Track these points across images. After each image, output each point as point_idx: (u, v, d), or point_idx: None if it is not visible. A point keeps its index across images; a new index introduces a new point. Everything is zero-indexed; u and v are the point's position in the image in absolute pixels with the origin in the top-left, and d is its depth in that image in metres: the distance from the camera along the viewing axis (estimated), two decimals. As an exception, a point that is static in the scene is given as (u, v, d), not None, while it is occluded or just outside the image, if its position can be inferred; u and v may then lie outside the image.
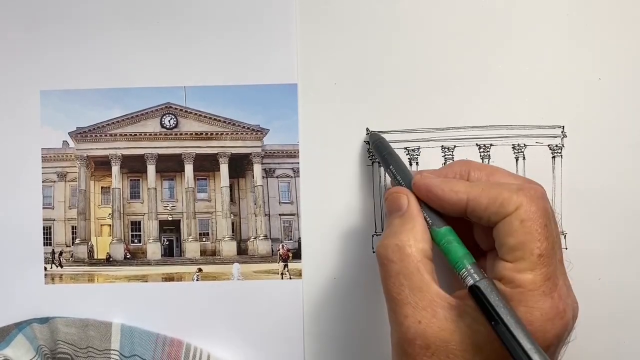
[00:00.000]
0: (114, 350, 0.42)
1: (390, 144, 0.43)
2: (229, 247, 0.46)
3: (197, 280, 0.44)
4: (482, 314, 0.32)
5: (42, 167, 0.44)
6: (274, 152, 0.45)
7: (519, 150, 0.43)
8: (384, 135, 0.42)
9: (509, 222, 0.33)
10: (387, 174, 0.40)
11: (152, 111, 0.45)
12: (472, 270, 0.33)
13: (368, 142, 0.43)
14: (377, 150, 0.41)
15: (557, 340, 0.33)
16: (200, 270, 0.45)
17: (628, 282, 0.42)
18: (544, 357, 0.29)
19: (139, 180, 0.47)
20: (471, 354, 0.32)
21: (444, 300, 0.33)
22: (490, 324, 0.31)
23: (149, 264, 0.45)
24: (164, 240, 0.46)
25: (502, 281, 0.33)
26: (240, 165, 0.46)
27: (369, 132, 0.43)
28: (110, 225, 0.46)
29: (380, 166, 0.43)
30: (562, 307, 0.32)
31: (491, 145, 0.43)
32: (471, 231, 0.37)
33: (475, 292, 0.32)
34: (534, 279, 0.32)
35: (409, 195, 0.36)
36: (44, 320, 0.43)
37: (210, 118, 0.45)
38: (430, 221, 0.36)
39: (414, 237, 0.35)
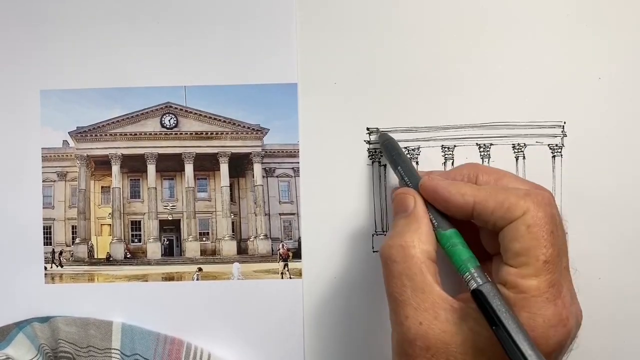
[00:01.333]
0: (114, 349, 0.42)
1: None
2: (229, 247, 0.46)
3: (197, 279, 0.44)
4: (484, 317, 0.31)
5: (42, 167, 0.44)
6: (274, 152, 0.45)
7: (519, 150, 0.43)
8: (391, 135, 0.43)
9: (515, 227, 0.33)
10: (395, 175, 0.40)
11: (152, 111, 0.45)
12: (475, 274, 0.33)
13: (369, 142, 0.43)
14: (386, 150, 0.41)
15: (559, 347, 0.33)
16: (200, 269, 0.45)
17: (628, 281, 0.42)
18: None
19: (139, 179, 0.47)
20: (472, 357, 0.32)
21: (446, 303, 0.33)
22: (492, 329, 0.31)
23: (149, 263, 0.45)
24: (164, 240, 0.46)
25: (505, 286, 0.33)
26: (240, 165, 0.46)
27: (379, 132, 0.43)
28: (110, 224, 0.46)
29: (380, 166, 0.43)
30: (565, 315, 0.32)
31: (491, 144, 0.43)
32: (477, 234, 0.37)
33: (477, 295, 0.32)
34: (538, 285, 0.32)
35: (415, 196, 0.36)
36: (44, 320, 0.43)
37: (210, 118, 0.45)
38: (436, 223, 0.36)
39: (418, 238, 0.35)
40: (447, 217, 0.36)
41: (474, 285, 0.32)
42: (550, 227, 0.32)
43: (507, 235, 0.33)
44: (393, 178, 0.43)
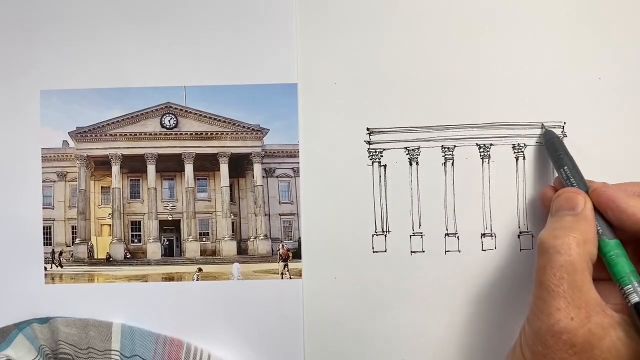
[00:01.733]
0: (114, 350, 0.42)
1: (390, 143, 0.43)
2: (229, 247, 0.46)
3: (197, 280, 0.44)
4: None
5: (42, 167, 0.44)
6: (274, 152, 0.45)
7: (519, 150, 0.43)
8: (391, 135, 0.43)
9: None
10: (558, 174, 0.40)
11: (152, 111, 0.45)
12: (638, 287, 0.33)
13: (369, 142, 0.43)
14: (551, 148, 0.41)
15: None
16: (200, 270, 0.45)
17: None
18: None
19: (139, 180, 0.47)
20: None
21: (599, 306, 0.33)
22: None
23: (149, 263, 0.45)
24: (164, 240, 0.46)
25: None
26: (240, 165, 0.46)
27: (545, 129, 0.43)
28: (110, 225, 0.46)
29: (380, 166, 0.43)
30: None
31: (491, 145, 0.43)
32: (636, 254, 0.37)
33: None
34: None
35: (586, 198, 0.37)
36: (44, 321, 0.43)
37: (210, 118, 0.45)
38: (601, 231, 0.36)
39: (585, 237, 0.35)
40: (612, 227, 0.36)
41: (635, 299, 0.33)
42: None
43: None
44: (393, 178, 0.43)
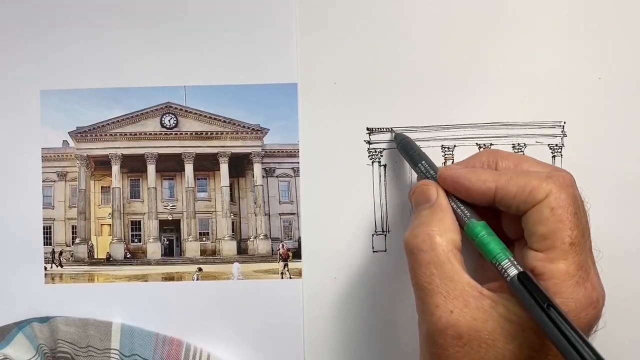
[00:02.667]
0: (114, 349, 0.42)
1: (391, 143, 0.43)
2: (229, 247, 0.46)
3: (197, 279, 0.44)
4: (532, 300, 0.31)
5: (42, 167, 0.44)
6: (274, 152, 0.45)
7: (519, 150, 0.43)
8: (391, 135, 0.43)
9: (539, 210, 0.33)
10: (416, 172, 0.40)
11: (152, 111, 0.45)
12: (515, 261, 0.33)
13: (369, 142, 0.43)
14: (404, 149, 0.41)
15: (588, 329, 0.33)
16: (200, 269, 0.45)
17: (628, 282, 0.42)
18: (591, 344, 0.29)
19: (139, 179, 0.47)
20: (503, 343, 0.32)
21: (474, 290, 0.33)
22: (543, 309, 0.30)
23: (149, 263, 0.45)
24: (164, 240, 0.46)
25: (534, 272, 0.33)
26: (240, 165, 0.46)
27: (393, 133, 0.43)
28: (110, 224, 0.46)
29: (380, 166, 0.43)
30: (595, 297, 0.32)
31: (491, 144, 0.43)
32: (497, 221, 0.37)
33: (523, 279, 0.32)
34: (567, 268, 0.32)
35: (437, 188, 0.36)
36: (44, 320, 0.43)
37: (210, 117, 0.45)
38: (465, 214, 0.36)
39: (444, 227, 0.34)
40: (472, 207, 0.36)
41: (514, 272, 0.32)
42: (574, 209, 0.33)
43: (531, 219, 0.33)
44: (393, 178, 0.43)
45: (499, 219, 0.38)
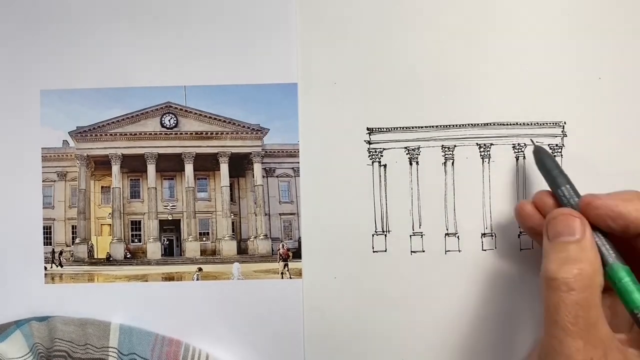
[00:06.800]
0: (112, 347, 0.42)
1: (390, 143, 0.43)
2: (229, 247, 0.46)
3: (197, 279, 0.44)
4: None
5: (42, 167, 0.44)
6: (274, 152, 0.45)
7: (519, 150, 0.43)
8: (391, 135, 0.43)
9: None
10: (555, 193, 0.37)
11: (152, 111, 0.45)
12: None
13: (369, 142, 0.43)
14: (544, 167, 0.38)
15: None
16: (200, 269, 0.45)
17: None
18: None
19: (139, 179, 0.47)
20: None
21: (613, 342, 0.32)
22: None
23: (149, 263, 0.45)
24: (164, 240, 0.46)
25: None
26: (240, 165, 0.46)
27: (534, 145, 0.40)
28: (110, 224, 0.46)
29: (380, 166, 0.43)
30: None
31: (491, 144, 0.43)
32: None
33: None
34: None
35: (583, 221, 0.34)
36: (43, 319, 0.43)
37: (210, 117, 0.45)
38: (612, 254, 0.34)
39: (595, 269, 0.33)
40: (616, 248, 0.34)
41: None
42: None
43: None
44: (393, 178, 0.43)
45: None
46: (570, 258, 0.33)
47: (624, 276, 0.33)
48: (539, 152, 0.39)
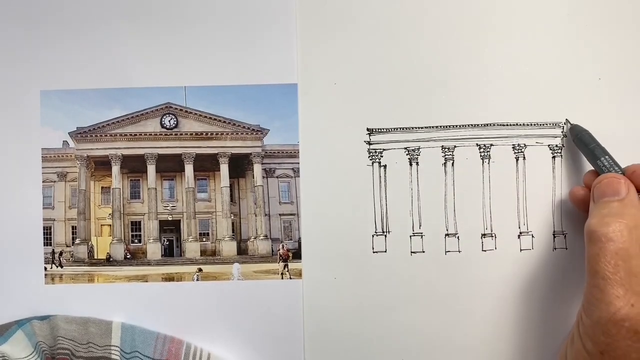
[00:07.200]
0: (114, 346, 0.42)
1: (390, 143, 0.43)
2: (229, 247, 0.46)
3: (197, 280, 0.44)
4: None
5: (42, 167, 0.44)
6: (274, 152, 0.45)
7: (519, 150, 0.43)
8: (391, 136, 0.43)
9: None
10: (594, 166, 0.40)
11: (152, 111, 0.45)
12: None
13: (369, 142, 0.43)
14: (582, 142, 0.41)
15: None
16: (200, 270, 0.45)
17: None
18: None
19: (139, 180, 0.47)
20: None
21: None
22: None
23: (149, 264, 0.45)
24: (164, 240, 0.46)
25: None
26: (240, 165, 0.46)
27: (570, 125, 0.43)
28: (110, 225, 0.46)
29: (380, 166, 0.43)
30: None
31: (491, 145, 0.43)
32: None
33: None
34: None
35: (628, 182, 0.37)
36: (44, 318, 0.43)
37: (210, 118, 0.45)
38: None
39: (635, 222, 0.35)
40: None
41: None
42: None
43: None
44: (393, 178, 0.43)
45: None
46: (612, 213, 0.35)
47: None
48: (575, 129, 0.42)
